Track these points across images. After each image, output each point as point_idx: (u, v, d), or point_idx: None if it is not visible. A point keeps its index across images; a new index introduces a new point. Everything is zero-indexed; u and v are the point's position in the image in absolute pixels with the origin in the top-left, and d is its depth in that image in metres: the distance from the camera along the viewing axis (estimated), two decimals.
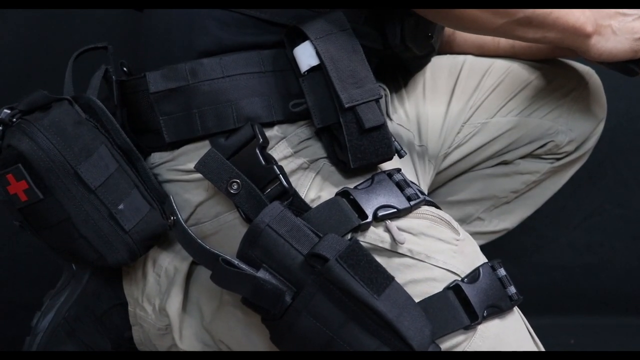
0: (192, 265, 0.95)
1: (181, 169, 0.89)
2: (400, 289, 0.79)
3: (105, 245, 0.86)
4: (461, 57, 1.11)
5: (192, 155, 0.88)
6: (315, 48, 0.84)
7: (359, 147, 0.84)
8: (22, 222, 0.88)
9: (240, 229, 0.85)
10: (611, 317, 1.51)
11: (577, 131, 1.13)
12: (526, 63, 1.11)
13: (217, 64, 0.86)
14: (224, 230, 0.87)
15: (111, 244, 0.87)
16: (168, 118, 0.88)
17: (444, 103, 1.07)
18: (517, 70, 1.10)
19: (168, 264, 0.93)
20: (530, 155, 1.12)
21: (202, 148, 0.87)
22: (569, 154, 1.14)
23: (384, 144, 0.84)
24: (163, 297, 0.93)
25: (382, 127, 0.84)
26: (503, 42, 1.12)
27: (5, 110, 0.86)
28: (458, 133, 1.08)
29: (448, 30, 1.13)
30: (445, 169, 1.10)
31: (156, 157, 0.91)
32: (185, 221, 0.89)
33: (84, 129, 0.86)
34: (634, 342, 1.43)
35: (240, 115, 0.86)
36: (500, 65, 1.10)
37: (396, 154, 0.86)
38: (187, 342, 0.94)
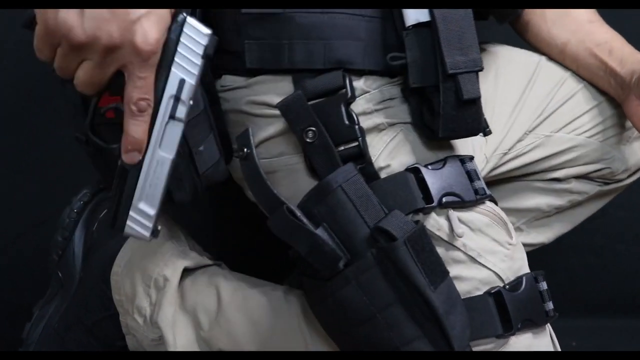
0: (184, 274, 0.94)
1: (255, 100, 0.85)
2: (452, 285, 0.78)
3: (176, 182, 0.82)
4: (536, 57, 1.07)
5: (269, 86, 0.84)
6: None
7: (452, 118, 0.80)
8: (89, 138, 0.81)
9: (301, 176, 0.83)
10: (613, 320, 1.49)
11: (634, 161, 1.10)
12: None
13: None
14: (283, 171, 0.84)
15: (181, 183, 0.82)
16: (254, 43, 0.82)
17: (512, 103, 1.04)
18: (588, 90, 1.06)
19: (157, 275, 0.92)
20: (582, 176, 1.09)
21: (281, 81, 0.83)
22: (618, 181, 1.12)
23: (475, 119, 0.81)
24: (154, 309, 0.91)
25: (478, 101, 0.81)
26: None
27: None
28: (520, 140, 1.04)
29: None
30: (501, 174, 1.07)
31: (228, 80, 0.87)
32: None
33: None
34: (636, 345, 1.41)
35: (332, 56, 0.82)
36: (574, 79, 1.06)
37: (482, 132, 0.84)
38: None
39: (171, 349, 0.91)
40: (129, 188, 0.76)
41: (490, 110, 1.02)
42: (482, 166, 1.01)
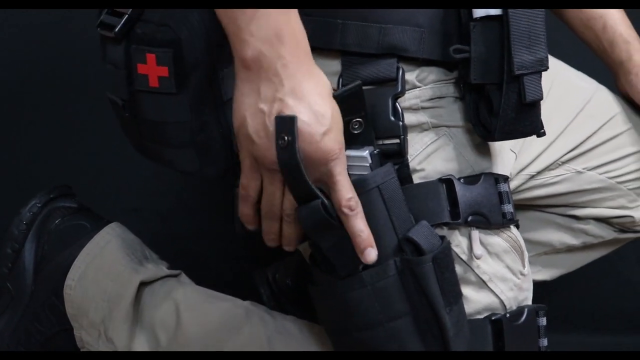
0: (141, 287, 0.92)
1: None
2: (463, 309, 0.77)
3: (210, 159, 0.79)
4: (592, 87, 1.05)
5: (318, 63, 0.76)
6: None
7: (511, 120, 0.78)
8: (125, 102, 0.79)
9: None
10: (614, 335, 1.51)
11: None
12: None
13: None
14: None
15: (215, 160, 0.80)
16: (307, 19, 0.76)
17: (556, 130, 1.00)
18: (632, 134, 1.04)
19: (111, 289, 0.90)
20: (601, 219, 1.08)
21: (332, 60, 0.80)
22: (636, 232, 1.10)
23: (533, 122, 0.79)
24: (108, 325, 0.89)
25: (538, 103, 0.79)
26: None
27: None
28: (550, 169, 1.02)
29: None
30: (522, 199, 1.04)
31: None
32: None
33: None
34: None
35: (386, 41, 0.78)
36: (622, 119, 1.04)
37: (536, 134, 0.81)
38: None
39: None
40: None
41: None
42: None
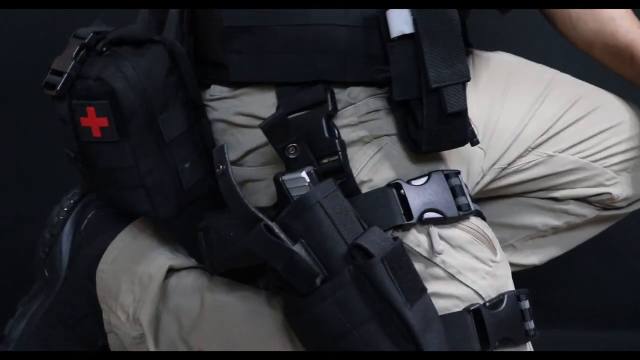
0: (169, 273, 0.93)
1: (241, 111, 0.86)
2: (430, 303, 0.77)
3: (162, 199, 0.85)
4: (549, 74, 1.05)
5: (255, 98, 0.85)
6: (413, 15, 0.79)
7: (436, 132, 0.80)
8: (77, 154, 0.84)
9: None
10: (610, 332, 1.49)
11: (635, 190, 1.08)
12: (613, 105, 1.06)
13: (300, 10, 0.82)
14: (268, 180, 0.84)
15: (167, 199, 0.85)
16: (237, 56, 0.83)
17: (519, 118, 1.01)
18: (600, 113, 1.04)
19: (142, 272, 0.91)
20: (581, 199, 1.07)
21: (267, 92, 0.84)
22: (618, 208, 1.09)
23: (460, 132, 0.81)
24: (137, 306, 0.91)
25: (464, 113, 0.80)
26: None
27: (92, 34, 0.82)
28: (522, 156, 1.02)
29: None
30: (498, 188, 1.05)
31: (216, 90, 0.88)
32: (233, 162, 0.86)
33: (172, 79, 0.84)
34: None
35: (314, 69, 0.82)
36: (587, 100, 1.04)
37: (469, 142, 0.83)
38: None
39: (151, 346, 0.91)
40: None
41: (492, 127, 1.01)
42: (478, 179, 1.00)
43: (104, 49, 0.81)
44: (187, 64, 0.85)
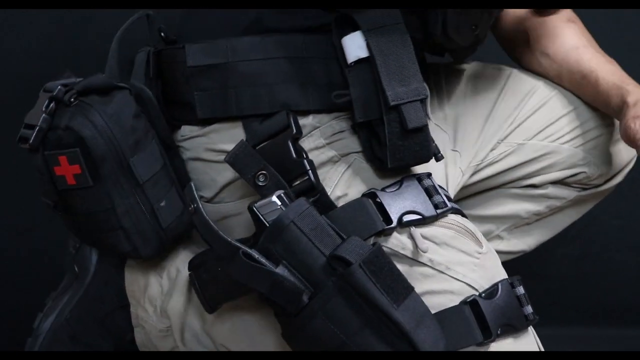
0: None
1: (211, 147, 0.89)
2: (418, 300, 0.78)
3: (141, 238, 0.87)
4: (506, 71, 1.10)
5: (224, 134, 0.88)
6: (366, 40, 0.83)
7: (399, 147, 0.83)
8: (57, 203, 0.87)
9: None
10: (609, 329, 1.51)
11: (609, 166, 1.12)
12: (568, 92, 1.10)
13: (258, 44, 0.86)
14: (246, 213, 0.84)
15: (147, 238, 0.87)
16: (203, 94, 0.87)
17: (484, 115, 1.06)
18: (559, 97, 1.09)
19: (170, 266, 0.93)
20: (559, 182, 1.11)
21: (235, 128, 0.87)
22: (597, 186, 1.14)
23: (423, 147, 0.84)
24: (165, 299, 0.93)
25: (424, 128, 0.83)
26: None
27: (60, 87, 0.85)
28: (493, 149, 1.07)
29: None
30: (475, 183, 1.09)
31: (186, 130, 0.91)
32: (209, 200, 0.89)
33: (140, 122, 0.86)
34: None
35: (276, 100, 0.86)
36: (544, 88, 1.09)
37: (433, 157, 0.86)
38: (189, 345, 0.93)
39: (178, 338, 0.93)
40: None
41: (462, 129, 1.05)
42: (459, 180, 1.04)
43: (72, 99, 0.84)
44: (155, 107, 0.88)
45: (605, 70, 1.05)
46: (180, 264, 0.93)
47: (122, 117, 0.84)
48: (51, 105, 0.83)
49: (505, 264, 0.91)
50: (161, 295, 0.93)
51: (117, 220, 0.85)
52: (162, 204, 0.87)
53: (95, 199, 0.85)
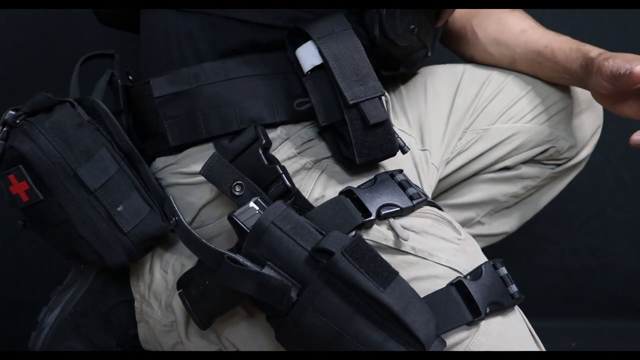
0: (200, 262, 0.96)
1: (185, 171, 0.91)
2: (405, 283, 0.79)
3: (103, 246, 0.88)
4: (460, 67, 1.13)
5: (196, 157, 0.90)
6: (318, 47, 0.86)
7: (364, 143, 0.86)
8: (25, 221, 0.90)
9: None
10: (612, 321, 1.51)
11: (578, 136, 1.14)
12: (521, 75, 1.12)
13: (219, 67, 0.89)
14: (228, 231, 0.87)
15: (109, 245, 0.88)
16: (172, 122, 0.90)
17: (446, 110, 1.09)
18: (516, 80, 1.11)
19: (175, 261, 0.94)
20: (531, 161, 1.13)
21: (206, 150, 0.89)
22: (569, 159, 1.15)
23: (387, 140, 0.86)
24: (170, 294, 0.93)
25: (386, 122, 0.86)
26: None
27: (11, 112, 0.88)
28: (460, 139, 1.09)
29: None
30: (448, 175, 1.11)
31: (160, 161, 0.93)
32: (189, 224, 0.90)
33: (85, 132, 0.88)
34: (635, 346, 1.43)
35: (244, 117, 0.88)
36: (499, 74, 1.11)
37: (400, 150, 0.88)
38: (193, 339, 0.94)
39: (182, 332, 0.93)
40: None
41: (427, 127, 1.07)
42: (434, 175, 1.06)
43: (17, 121, 0.87)
44: (109, 117, 0.89)
45: (559, 41, 1.06)
46: (185, 259, 0.93)
47: (64, 128, 0.86)
48: (4, 130, 0.87)
49: (504, 255, 0.92)
50: (166, 290, 0.94)
51: (75, 231, 0.87)
52: (119, 208, 0.88)
53: (50, 212, 0.87)
